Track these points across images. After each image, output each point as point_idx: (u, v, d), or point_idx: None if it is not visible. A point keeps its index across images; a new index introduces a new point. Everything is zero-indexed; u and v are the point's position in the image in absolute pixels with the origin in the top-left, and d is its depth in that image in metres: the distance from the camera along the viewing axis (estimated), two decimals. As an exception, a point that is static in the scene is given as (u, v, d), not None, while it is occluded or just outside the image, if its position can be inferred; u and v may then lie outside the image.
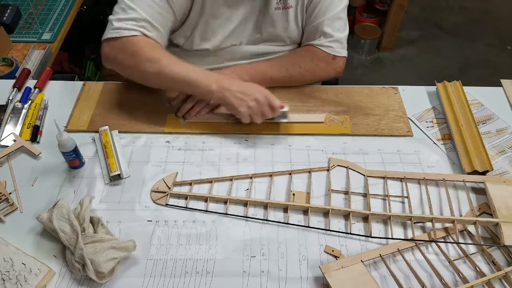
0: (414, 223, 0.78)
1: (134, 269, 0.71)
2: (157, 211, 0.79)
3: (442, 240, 0.75)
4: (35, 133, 0.90)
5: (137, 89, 0.98)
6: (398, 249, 0.73)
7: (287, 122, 0.93)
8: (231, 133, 0.93)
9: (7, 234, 0.75)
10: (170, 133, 0.92)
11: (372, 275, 0.69)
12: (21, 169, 0.85)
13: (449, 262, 0.71)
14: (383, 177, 0.85)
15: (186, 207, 0.80)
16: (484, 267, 0.72)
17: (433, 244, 0.75)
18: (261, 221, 0.78)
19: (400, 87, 1.03)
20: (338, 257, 0.73)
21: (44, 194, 0.81)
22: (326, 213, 0.79)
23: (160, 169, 0.86)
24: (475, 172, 0.84)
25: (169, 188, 0.82)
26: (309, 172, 0.86)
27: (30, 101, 0.98)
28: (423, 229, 0.78)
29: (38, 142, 0.90)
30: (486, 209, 0.80)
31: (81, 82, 1.03)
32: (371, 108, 0.98)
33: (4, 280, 0.67)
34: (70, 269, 0.70)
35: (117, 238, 0.71)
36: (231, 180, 0.84)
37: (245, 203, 0.80)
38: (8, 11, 1.30)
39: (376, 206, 0.81)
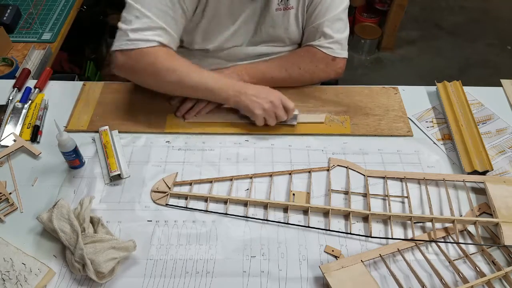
0: (414, 223, 0.78)
1: (134, 269, 0.71)
2: (157, 211, 0.79)
3: (442, 240, 0.75)
4: (35, 133, 0.90)
5: (137, 89, 0.98)
6: (398, 249, 0.73)
7: (295, 124, 0.93)
8: (231, 133, 0.93)
9: (7, 234, 0.75)
10: (170, 133, 0.92)
11: (372, 275, 0.69)
12: (21, 169, 0.85)
13: (449, 262, 0.71)
14: (383, 177, 0.85)
15: (186, 207, 0.80)
16: (484, 267, 0.72)
17: (433, 244, 0.75)
18: (261, 221, 0.78)
19: (400, 87, 1.03)
20: (338, 257, 0.73)
21: (44, 194, 0.81)
22: (326, 213, 0.79)
23: (160, 169, 0.86)
24: (475, 172, 0.84)
25: (169, 188, 0.82)
26: (309, 172, 0.86)
27: (30, 101, 0.98)
28: (423, 229, 0.78)
29: (38, 142, 0.90)
30: (486, 209, 0.80)
31: (81, 82, 1.03)
32: (371, 108, 0.98)
33: (4, 280, 0.67)
34: (70, 269, 0.70)
35: (117, 238, 0.71)
36: (231, 180, 0.84)
37: (245, 203, 0.80)
38: (8, 11, 1.30)
39: (376, 206, 0.81)
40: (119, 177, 0.84)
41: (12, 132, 0.91)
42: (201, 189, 0.83)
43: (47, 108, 0.97)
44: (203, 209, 0.79)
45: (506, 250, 0.73)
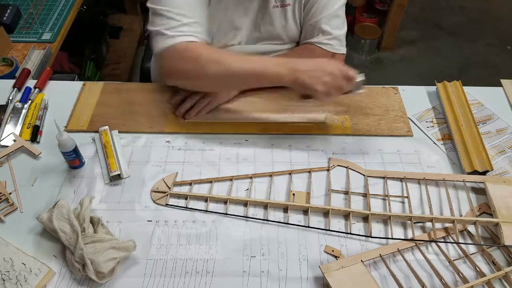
0: (414, 223, 0.78)
1: (134, 269, 0.71)
2: (157, 211, 0.79)
3: (442, 240, 0.75)
4: (35, 133, 0.90)
5: (137, 89, 0.98)
6: (398, 249, 0.73)
7: (363, 91, 0.84)
8: (231, 133, 0.93)
9: (7, 234, 0.75)
10: (170, 133, 0.92)
11: (372, 275, 0.69)
12: (21, 169, 0.85)
13: (449, 262, 0.71)
14: (383, 177, 0.85)
15: (186, 207, 0.80)
16: (484, 267, 0.72)
17: (433, 244, 0.75)
18: (261, 221, 0.78)
19: (400, 87, 1.03)
20: (338, 257, 0.73)
21: (44, 194, 0.81)
22: (326, 213, 0.79)
23: (160, 169, 0.86)
24: (475, 172, 0.84)
25: (169, 188, 0.82)
26: (309, 172, 0.86)
27: (30, 101, 0.98)
28: (423, 229, 0.78)
29: (38, 142, 0.90)
30: (486, 209, 0.80)
31: (81, 82, 1.03)
32: (371, 108, 0.98)
33: (4, 280, 0.67)
34: (70, 269, 0.70)
35: (117, 238, 0.71)
36: (231, 180, 0.84)
37: (245, 203, 0.80)
38: (8, 11, 1.30)
39: (376, 206, 0.81)
40: (119, 177, 0.84)
41: (12, 132, 0.91)
42: (201, 189, 0.83)
43: (47, 108, 0.97)
44: (203, 209, 0.79)
45: (506, 250, 0.73)
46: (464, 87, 1.01)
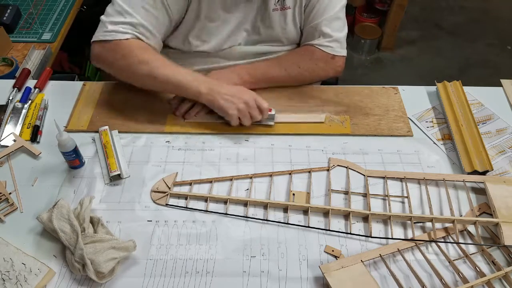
0: (414, 223, 0.78)
1: (134, 269, 0.71)
2: (157, 211, 0.79)
3: (442, 240, 0.75)
4: (35, 133, 0.90)
5: (137, 89, 0.97)
6: (398, 249, 0.73)
7: (273, 124, 0.93)
8: (231, 133, 0.93)
9: (7, 234, 0.75)
10: (170, 133, 0.92)
11: (372, 275, 0.69)
12: (21, 169, 0.85)
13: (449, 262, 0.71)
14: (383, 177, 0.85)
15: (186, 207, 0.80)
16: (484, 267, 0.72)
17: (433, 244, 0.75)
18: (261, 221, 0.78)
19: (400, 87, 1.03)
20: (338, 257, 0.73)
21: (44, 194, 0.81)
22: (326, 213, 0.79)
23: (160, 169, 0.86)
24: (475, 172, 0.84)
25: (169, 188, 0.82)
26: (309, 172, 0.86)
27: (30, 101, 0.98)
28: (423, 229, 0.78)
29: (38, 142, 0.90)
30: (486, 209, 0.80)
31: (81, 82, 1.03)
32: (371, 108, 0.98)
33: (4, 280, 0.67)
34: (70, 269, 0.70)
35: (117, 238, 0.71)
36: (231, 180, 0.84)
37: (245, 203, 0.80)
38: (8, 11, 1.30)
39: (376, 206, 0.81)
40: (119, 177, 0.84)
41: (12, 132, 0.91)
42: (201, 189, 0.83)
43: (47, 108, 0.97)
44: (203, 209, 0.79)
45: (506, 250, 0.73)
46: (464, 87, 1.01)
